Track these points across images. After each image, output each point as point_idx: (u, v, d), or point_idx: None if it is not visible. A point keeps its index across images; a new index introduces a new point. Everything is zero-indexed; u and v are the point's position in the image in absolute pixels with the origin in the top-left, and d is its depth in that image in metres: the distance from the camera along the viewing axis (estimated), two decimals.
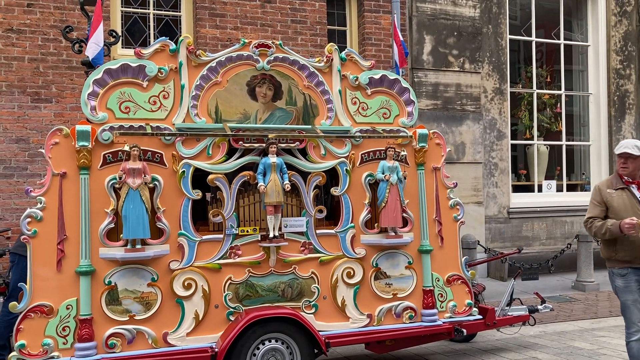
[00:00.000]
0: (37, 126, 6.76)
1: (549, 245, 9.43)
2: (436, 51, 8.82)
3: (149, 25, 7.57)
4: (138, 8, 7.52)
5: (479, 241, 7.68)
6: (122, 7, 7.41)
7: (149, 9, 7.55)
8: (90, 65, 4.99)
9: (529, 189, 10.01)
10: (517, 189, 9.84)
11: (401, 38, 5.12)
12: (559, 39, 10.14)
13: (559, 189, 10.10)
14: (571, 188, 10.34)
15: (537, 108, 9.98)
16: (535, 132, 9.97)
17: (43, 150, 3.87)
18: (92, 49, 4.02)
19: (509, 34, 9.50)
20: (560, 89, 10.18)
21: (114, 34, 5.80)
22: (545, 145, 10.12)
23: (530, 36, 9.89)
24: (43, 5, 6.80)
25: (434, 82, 8.79)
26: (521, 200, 9.62)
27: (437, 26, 8.85)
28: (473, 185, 8.92)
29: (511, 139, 9.57)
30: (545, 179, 10.06)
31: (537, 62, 10.05)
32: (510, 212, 9.32)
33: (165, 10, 7.67)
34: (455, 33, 8.95)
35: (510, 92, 9.58)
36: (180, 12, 7.71)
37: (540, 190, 9.94)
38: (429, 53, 8.78)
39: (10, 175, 6.67)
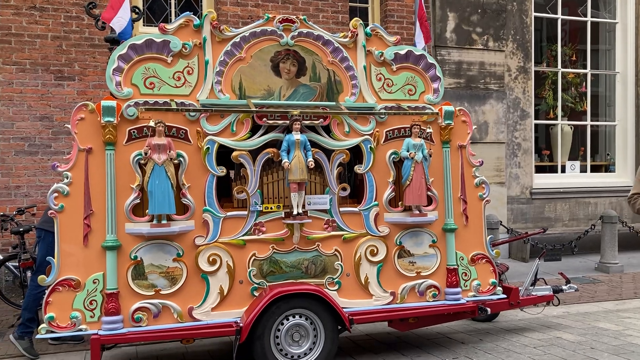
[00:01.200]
0: (60, 104, 6.80)
1: (571, 227, 9.32)
2: (460, 29, 8.68)
3: (170, 3, 7.53)
4: None
5: (501, 221, 7.62)
6: None
7: None
8: (113, 42, 4.97)
9: (552, 169, 9.88)
10: (540, 169, 9.72)
11: (426, 15, 5.03)
12: (585, 17, 9.91)
13: (583, 169, 9.95)
14: (595, 169, 10.19)
15: (562, 87, 9.80)
16: (560, 112, 9.80)
17: (69, 126, 3.88)
18: (118, 23, 3.99)
19: (534, 12, 9.30)
20: (586, 68, 9.97)
21: (137, 10, 5.78)
22: (569, 125, 9.95)
23: (556, 14, 9.67)
24: None
25: (457, 61, 8.66)
26: (544, 180, 9.50)
27: (461, 3, 8.68)
28: (496, 165, 8.82)
29: (535, 119, 9.43)
30: (569, 159, 9.91)
31: (561, 41, 9.83)
32: (533, 192, 9.21)
33: None
34: (479, 10, 8.78)
35: (535, 71, 9.40)
36: None
37: (563, 170, 9.81)
38: (452, 31, 8.63)
39: (34, 153, 6.74)
